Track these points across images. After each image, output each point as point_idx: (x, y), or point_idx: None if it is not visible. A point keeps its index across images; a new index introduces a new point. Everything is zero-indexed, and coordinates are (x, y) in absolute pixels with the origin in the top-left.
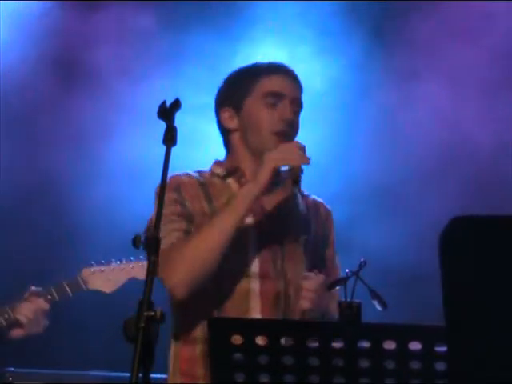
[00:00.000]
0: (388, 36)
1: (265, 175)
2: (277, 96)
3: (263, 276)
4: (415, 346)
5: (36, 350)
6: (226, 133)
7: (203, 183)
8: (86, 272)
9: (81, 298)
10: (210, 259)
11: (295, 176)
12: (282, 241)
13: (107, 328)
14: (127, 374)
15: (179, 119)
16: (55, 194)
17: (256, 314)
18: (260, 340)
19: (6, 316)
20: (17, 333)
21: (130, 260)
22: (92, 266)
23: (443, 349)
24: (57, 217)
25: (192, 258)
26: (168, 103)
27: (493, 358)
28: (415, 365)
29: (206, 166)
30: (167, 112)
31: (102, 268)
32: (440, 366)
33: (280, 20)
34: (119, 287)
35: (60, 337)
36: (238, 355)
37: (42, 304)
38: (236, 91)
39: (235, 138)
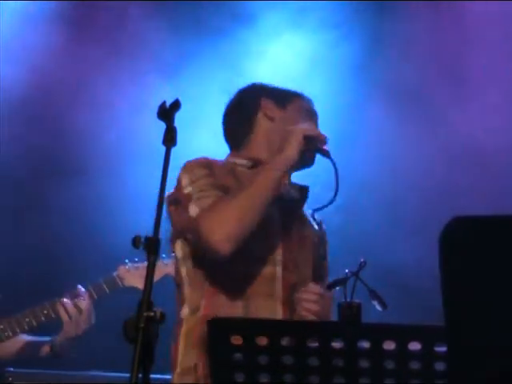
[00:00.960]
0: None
1: (295, 144)
2: (312, 116)
3: (284, 265)
4: (415, 346)
5: None
6: (253, 122)
7: (232, 169)
8: (122, 270)
9: None
10: (253, 217)
11: (323, 143)
12: (301, 242)
13: (107, 328)
14: (127, 374)
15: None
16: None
17: (278, 299)
18: (260, 340)
19: (46, 312)
20: (45, 350)
21: (163, 257)
22: (126, 263)
23: (443, 349)
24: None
25: (237, 215)
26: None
27: (493, 358)
28: (415, 365)
29: None
30: (167, 112)
31: (136, 265)
32: (440, 366)
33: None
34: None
35: None
36: (237, 355)
37: (83, 304)
38: (282, 93)
39: (264, 128)
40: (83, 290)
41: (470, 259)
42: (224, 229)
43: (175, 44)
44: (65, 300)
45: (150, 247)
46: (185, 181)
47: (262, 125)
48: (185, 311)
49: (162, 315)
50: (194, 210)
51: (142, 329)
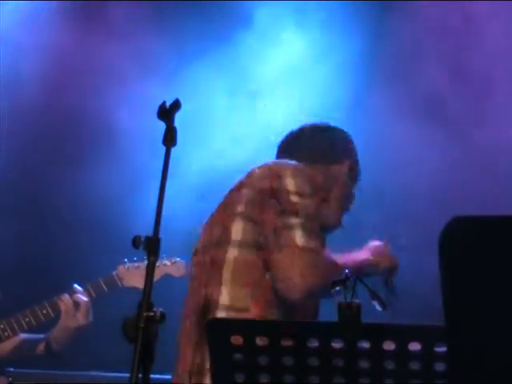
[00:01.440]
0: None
1: (380, 266)
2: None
3: None
4: (415, 346)
5: None
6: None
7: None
8: (121, 269)
9: None
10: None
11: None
12: None
13: (107, 328)
14: (127, 374)
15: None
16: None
17: None
18: (260, 340)
19: (45, 312)
20: (41, 347)
21: (163, 257)
22: (125, 263)
23: (443, 349)
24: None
25: (320, 278)
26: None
27: (493, 358)
28: (415, 365)
29: None
30: (167, 112)
31: (136, 265)
32: (440, 367)
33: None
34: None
35: None
36: (237, 355)
37: (81, 300)
38: (353, 152)
39: (344, 181)
40: (80, 288)
41: (470, 259)
42: (309, 282)
43: (176, 45)
44: (63, 295)
45: (150, 247)
46: (292, 187)
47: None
48: (224, 299)
49: (162, 315)
50: (300, 240)
51: (142, 329)
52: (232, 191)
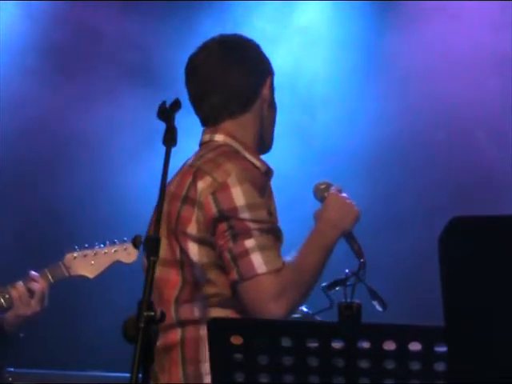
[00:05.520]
0: None
1: (353, 223)
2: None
3: None
4: (415, 346)
5: (36, 350)
6: (255, 101)
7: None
8: (68, 258)
9: (81, 299)
10: (312, 286)
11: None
12: None
13: (107, 328)
14: (127, 374)
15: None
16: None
17: None
18: (260, 340)
19: (7, 296)
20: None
21: (114, 243)
22: (75, 250)
23: (443, 349)
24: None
25: (304, 293)
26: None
27: (492, 359)
28: (415, 365)
29: None
30: (167, 112)
31: (85, 252)
32: (440, 367)
33: None
34: (103, 272)
35: (60, 337)
36: (237, 355)
37: (36, 287)
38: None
39: (258, 110)
40: (36, 274)
41: (469, 259)
42: (290, 302)
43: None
44: (17, 283)
45: (150, 247)
46: (241, 201)
47: (261, 105)
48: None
49: (162, 315)
50: (257, 261)
51: (142, 329)
52: (178, 198)
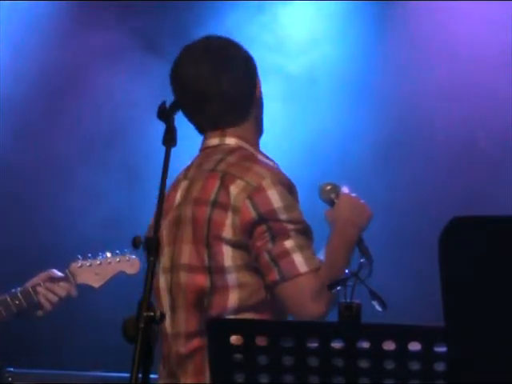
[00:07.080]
0: None
1: (367, 222)
2: None
3: None
4: (415, 346)
5: (36, 350)
6: (252, 106)
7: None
8: (74, 266)
9: (81, 299)
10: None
11: None
12: None
13: (107, 328)
14: (127, 374)
15: None
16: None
17: None
18: (260, 340)
19: (17, 302)
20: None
21: (117, 253)
22: (78, 259)
23: (443, 349)
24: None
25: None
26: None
27: (492, 358)
28: (415, 365)
29: None
30: (167, 112)
31: (89, 262)
32: (440, 367)
33: None
34: (108, 281)
35: (60, 337)
36: (237, 355)
37: (54, 274)
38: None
39: (254, 111)
40: (60, 273)
41: (469, 259)
42: (327, 306)
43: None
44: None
45: (150, 247)
46: (277, 202)
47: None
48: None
49: (162, 315)
50: (298, 260)
51: (142, 329)
52: (205, 203)
